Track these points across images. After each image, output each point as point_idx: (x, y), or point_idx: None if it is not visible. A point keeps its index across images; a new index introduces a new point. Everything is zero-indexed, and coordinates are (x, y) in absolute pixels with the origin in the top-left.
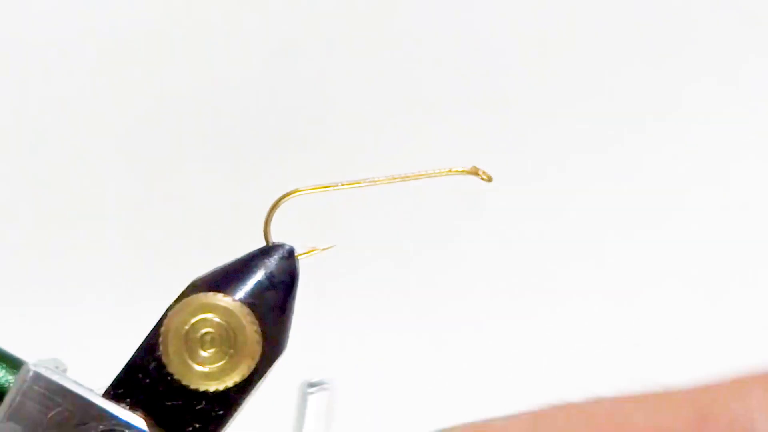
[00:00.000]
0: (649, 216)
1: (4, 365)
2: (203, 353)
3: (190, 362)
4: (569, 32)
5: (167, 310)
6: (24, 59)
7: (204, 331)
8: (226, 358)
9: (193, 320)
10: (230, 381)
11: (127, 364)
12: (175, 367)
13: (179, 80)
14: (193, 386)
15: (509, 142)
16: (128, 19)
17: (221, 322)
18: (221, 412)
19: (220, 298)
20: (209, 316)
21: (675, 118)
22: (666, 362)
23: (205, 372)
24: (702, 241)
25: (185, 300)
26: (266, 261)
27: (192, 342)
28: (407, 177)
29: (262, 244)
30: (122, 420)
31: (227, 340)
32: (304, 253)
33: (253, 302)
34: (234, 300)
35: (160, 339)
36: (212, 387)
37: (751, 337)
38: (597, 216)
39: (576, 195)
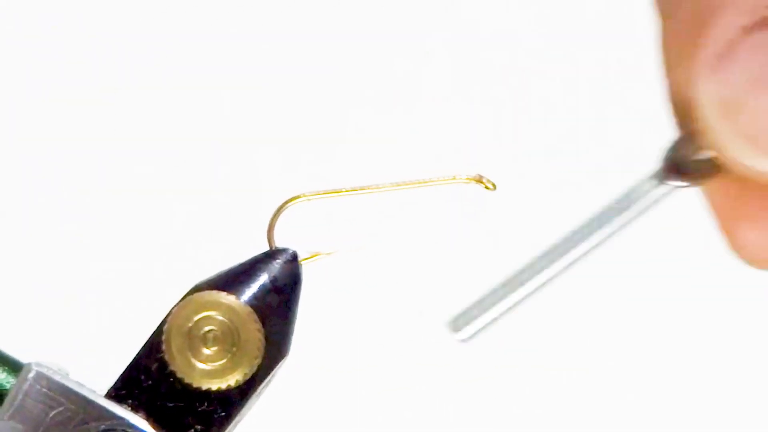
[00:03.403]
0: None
1: (5, 367)
2: (206, 351)
3: (193, 360)
4: (576, 32)
5: (171, 310)
6: (25, 56)
7: (207, 328)
8: (229, 356)
9: (197, 317)
10: (232, 380)
11: (129, 364)
12: (177, 364)
13: (184, 81)
14: (195, 385)
15: (512, 145)
16: (126, 20)
17: (224, 319)
18: (223, 414)
19: (224, 297)
20: (212, 313)
21: None
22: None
23: (207, 370)
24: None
25: (189, 298)
26: (270, 265)
27: (195, 339)
28: (411, 184)
29: (266, 248)
30: (124, 420)
31: (230, 338)
32: (308, 258)
33: (256, 304)
34: (237, 300)
35: (163, 337)
36: (214, 386)
37: None
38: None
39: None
